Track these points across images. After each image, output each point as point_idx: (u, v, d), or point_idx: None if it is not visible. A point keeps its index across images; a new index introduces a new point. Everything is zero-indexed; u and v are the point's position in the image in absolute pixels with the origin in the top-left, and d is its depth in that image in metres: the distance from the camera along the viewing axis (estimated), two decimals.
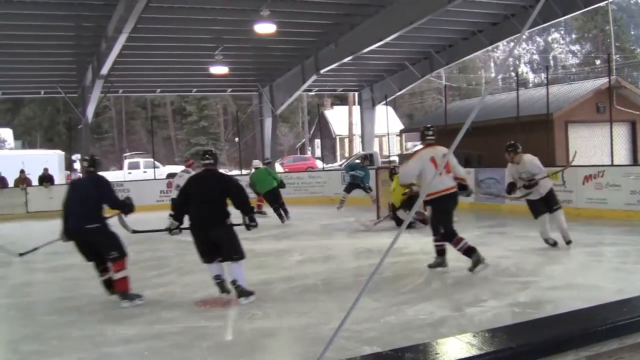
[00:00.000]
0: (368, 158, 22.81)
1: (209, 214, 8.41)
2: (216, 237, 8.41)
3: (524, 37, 18.93)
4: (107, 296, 8.93)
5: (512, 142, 11.60)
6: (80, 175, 8.53)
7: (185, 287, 9.61)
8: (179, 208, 9.00)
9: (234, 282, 8.38)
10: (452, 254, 10.51)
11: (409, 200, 13.97)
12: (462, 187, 9.86)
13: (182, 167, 19.24)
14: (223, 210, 8.48)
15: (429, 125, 10.28)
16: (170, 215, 9.66)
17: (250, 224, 8.81)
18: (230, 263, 8.42)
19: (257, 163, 20.34)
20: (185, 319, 7.64)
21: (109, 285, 8.70)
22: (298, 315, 7.48)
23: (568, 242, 11.00)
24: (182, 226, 8.95)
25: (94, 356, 6.37)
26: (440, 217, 9.56)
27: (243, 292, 8.33)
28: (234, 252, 8.37)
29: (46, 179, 25.76)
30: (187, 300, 8.68)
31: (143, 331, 7.18)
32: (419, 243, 12.55)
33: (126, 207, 9.06)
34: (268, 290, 9.01)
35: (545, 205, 11.17)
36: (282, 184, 18.82)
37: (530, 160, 11.32)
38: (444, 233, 9.54)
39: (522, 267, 9.62)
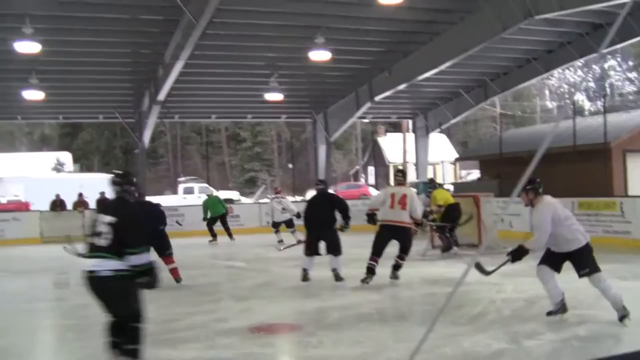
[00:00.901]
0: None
1: (324, 221, 12.19)
2: (327, 237, 12.09)
3: (580, 64, 18.91)
4: (160, 320, 9.07)
5: (534, 177, 8.19)
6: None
7: (240, 313, 9.63)
8: (307, 218, 12.62)
9: (334, 270, 12.03)
10: (513, 286, 10.40)
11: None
12: (418, 224, 12.51)
13: (273, 195, 22.78)
14: (333, 219, 12.27)
15: (400, 169, 14.05)
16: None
17: (345, 226, 12.40)
18: (332, 257, 12.06)
19: (209, 191, 25.14)
20: (239, 345, 7.63)
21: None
22: (352, 344, 7.43)
23: (621, 318, 7.79)
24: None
25: None
26: (376, 238, 11.92)
27: (338, 277, 11.94)
28: (337, 250, 12.09)
29: (103, 202, 26.19)
30: (242, 326, 8.64)
31: (198, 356, 7.21)
32: (474, 273, 12.38)
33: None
34: (322, 318, 8.98)
35: (566, 262, 8.31)
36: (227, 211, 22.92)
37: (540, 209, 8.31)
38: (372, 251, 11.81)
39: (580, 300, 9.39)
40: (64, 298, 12.15)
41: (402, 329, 8.14)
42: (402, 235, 11.80)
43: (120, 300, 6.12)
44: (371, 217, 12.08)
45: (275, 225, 21.07)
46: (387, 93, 26.91)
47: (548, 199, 8.44)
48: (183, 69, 21.78)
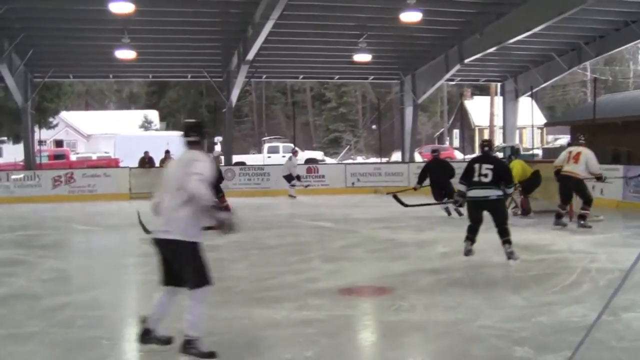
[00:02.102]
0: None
1: (443, 180, 16.56)
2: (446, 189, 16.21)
3: None
4: (252, 279, 9.23)
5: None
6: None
7: (330, 274, 9.70)
8: (422, 177, 17.13)
9: (447, 209, 16.46)
10: (606, 255, 10.19)
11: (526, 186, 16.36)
12: (598, 178, 13.93)
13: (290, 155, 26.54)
14: (448, 181, 16.44)
15: (582, 134, 16.25)
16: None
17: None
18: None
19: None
20: (330, 307, 7.67)
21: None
22: (445, 309, 7.36)
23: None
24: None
25: (245, 339, 6.47)
26: (559, 188, 14.12)
27: (449, 213, 16.41)
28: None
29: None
30: (332, 287, 8.69)
31: (290, 316, 7.26)
32: (566, 241, 12.21)
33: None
34: (413, 282, 8.93)
35: None
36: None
37: None
38: (560, 199, 14.13)
39: None
40: (153, 254, 12.43)
41: (494, 295, 8.04)
42: (573, 184, 13.81)
43: (499, 211, 10.23)
44: (556, 173, 14.16)
45: (286, 179, 24.39)
46: (478, 55, 26.38)
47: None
48: (272, 28, 21.76)
